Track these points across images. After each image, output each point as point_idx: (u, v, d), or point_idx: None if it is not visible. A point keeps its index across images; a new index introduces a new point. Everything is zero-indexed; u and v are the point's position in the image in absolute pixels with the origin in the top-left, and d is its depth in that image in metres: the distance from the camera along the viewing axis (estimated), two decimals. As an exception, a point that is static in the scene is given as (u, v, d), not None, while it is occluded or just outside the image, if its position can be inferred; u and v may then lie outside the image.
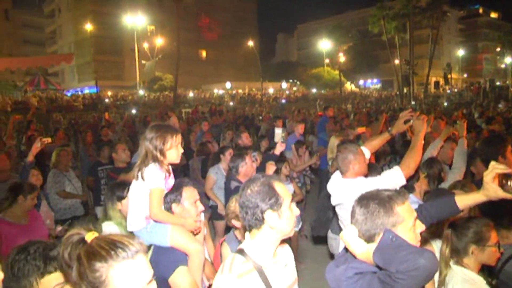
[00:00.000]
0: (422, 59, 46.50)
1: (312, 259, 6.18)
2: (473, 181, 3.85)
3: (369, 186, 2.80)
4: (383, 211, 1.75)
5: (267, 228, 1.90)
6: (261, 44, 61.67)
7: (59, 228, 4.25)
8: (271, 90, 46.44)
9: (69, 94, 37.53)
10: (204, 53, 60.47)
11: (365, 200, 1.83)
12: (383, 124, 7.27)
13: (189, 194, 2.61)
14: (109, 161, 6.28)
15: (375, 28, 43.63)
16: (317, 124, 10.87)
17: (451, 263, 2.53)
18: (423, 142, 3.37)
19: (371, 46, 57.42)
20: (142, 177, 2.53)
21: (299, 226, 5.92)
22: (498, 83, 42.42)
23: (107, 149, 6.40)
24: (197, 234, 2.71)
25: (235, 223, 3.15)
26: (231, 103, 32.53)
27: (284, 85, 51.45)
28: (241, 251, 1.95)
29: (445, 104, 28.86)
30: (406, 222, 1.76)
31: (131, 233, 2.62)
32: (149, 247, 2.57)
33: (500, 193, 1.96)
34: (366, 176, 3.42)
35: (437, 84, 51.35)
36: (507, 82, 47.22)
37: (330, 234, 4.57)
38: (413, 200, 3.21)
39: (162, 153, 2.54)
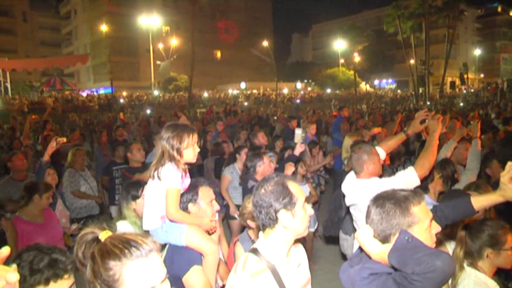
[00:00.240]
0: (438, 59, 45.88)
1: (325, 259, 6.15)
2: (488, 183, 3.78)
3: (383, 186, 2.77)
4: (399, 211, 1.74)
5: (281, 227, 1.89)
6: (276, 44, 61.62)
7: (73, 226, 4.31)
8: (285, 91, 46.31)
9: (84, 95, 37.98)
10: (219, 54, 60.66)
11: (381, 200, 1.81)
12: (398, 124, 7.21)
13: (205, 193, 2.61)
14: (124, 161, 6.33)
15: (391, 28, 43.25)
16: (332, 124, 10.83)
17: (465, 264, 2.49)
18: (438, 142, 3.33)
19: (386, 46, 56.94)
20: (159, 177, 2.53)
21: (315, 226, 5.90)
22: (516, 83, 41.64)
23: (122, 149, 6.44)
24: (212, 233, 2.71)
25: (251, 223, 3.15)
26: (245, 103, 32.56)
27: (299, 85, 51.30)
28: (254, 251, 1.94)
29: (461, 104, 28.46)
30: (422, 222, 1.74)
31: (146, 232, 2.63)
32: (163, 246, 2.58)
33: (517, 194, 1.94)
34: (380, 176, 3.39)
35: (453, 84, 50.71)
36: (526, 82, 46.32)
37: (341, 235, 4.54)
38: (428, 201, 3.16)
39: (179, 152, 2.54)
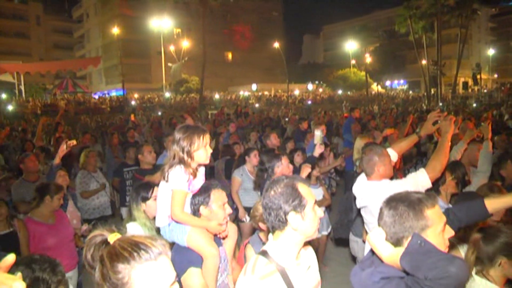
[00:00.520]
0: (450, 59, 45.45)
1: (335, 262, 6.10)
2: (503, 185, 3.72)
3: (394, 188, 2.74)
4: (412, 214, 1.70)
5: (290, 230, 1.87)
6: (287, 45, 61.59)
7: (84, 227, 4.33)
8: (297, 92, 46.24)
9: (96, 97, 38.36)
10: (230, 55, 60.81)
11: (394, 202, 1.78)
12: (409, 125, 7.14)
13: (218, 196, 2.57)
14: (135, 163, 6.36)
15: (402, 28, 42.86)
16: (343, 125, 10.77)
17: (473, 272, 2.37)
18: (450, 144, 3.27)
19: (398, 46, 56.52)
20: (167, 178, 2.56)
21: (329, 229, 5.85)
22: (531, 83, 41.00)
23: (133, 151, 6.48)
24: (224, 237, 2.70)
25: (262, 225, 3.14)
26: (256, 105, 32.58)
27: (310, 86, 51.19)
28: (264, 253, 1.93)
29: (474, 105, 28.10)
30: (435, 226, 1.70)
31: (158, 232, 2.67)
32: (172, 245, 2.60)
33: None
34: (392, 178, 3.35)
35: (465, 84, 50.11)
36: (541, 82, 45.60)
37: (351, 237, 4.50)
38: (439, 204, 3.12)
39: (189, 154, 2.54)
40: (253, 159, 5.86)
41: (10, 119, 19.99)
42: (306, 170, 4.38)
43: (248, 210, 5.69)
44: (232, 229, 2.79)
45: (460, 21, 40.42)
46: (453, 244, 2.76)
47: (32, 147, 8.46)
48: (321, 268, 5.37)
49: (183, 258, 2.43)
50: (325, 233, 5.76)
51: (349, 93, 49.07)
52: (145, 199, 3.22)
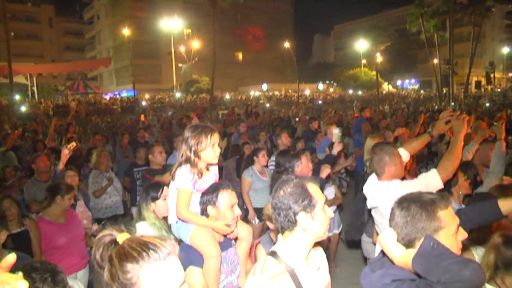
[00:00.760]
0: (462, 58, 44.82)
1: (346, 263, 6.06)
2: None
3: (405, 189, 2.70)
4: (425, 215, 1.67)
5: (300, 230, 1.85)
6: (297, 45, 61.49)
7: (95, 227, 4.36)
8: (307, 92, 46.10)
9: (107, 98, 38.66)
10: (240, 56, 60.86)
11: (406, 202, 1.75)
12: (420, 125, 7.07)
13: (226, 197, 2.55)
14: (145, 163, 6.39)
15: (413, 27, 42.42)
16: (353, 125, 10.71)
17: None
18: (462, 144, 3.21)
19: (409, 45, 56.07)
20: (173, 177, 2.60)
21: (339, 228, 5.82)
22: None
23: (143, 151, 6.51)
24: (235, 239, 2.70)
25: (272, 225, 3.12)
26: (267, 105, 32.54)
27: (320, 86, 50.99)
28: (273, 253, 1.91)
29: (487, 104, 27.73)
30: (448, 228, 1.67)
31: (168, 232, 2.72)
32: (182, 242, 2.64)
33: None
34: (402, 179, 3.31)
35: (478, 84, 49.49)
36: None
37: (364, 238, 4.45)
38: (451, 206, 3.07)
39: (196, 153, 2.55)
40: (262, 159, 5.86)
41: (23, 120, 20.23)
42: (326, 170, 4.37)
43: (258, 210, 5.68)
44: (247, 231, 2.77)
45: (473, 19, 39.81)
46: (465, 246, 2.71)
47: (44, 147, 8.55)
48: (332, 268, 5.36)
49: (185, 256, 2.42)
50: (336, 231, 5.73)
51: (359, 92, 48.74)
52: (154, 199, 3.22)
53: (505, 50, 58.44)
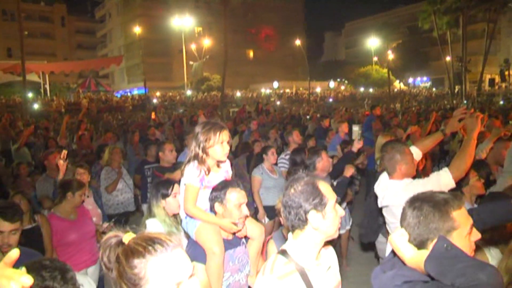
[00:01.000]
0: (476, 55, 44.06)
1: (357, 262, 6.02)
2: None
3: (415, 188, 2.66)
4: (438, 215, 1.63)
5: (311, 229, 1.83)
6: (308, 43, 61.26)
7: (105, 225, 4.39)
8: (318, 90, 45.98)
9: (118, 95, 38.91)
10: (251, 53, 60.87)
11: (418, 202, 1.71)
12: (432, 123, 7.00)
13: (234, 196, 2.54)
14: (156, 160, 6.41)
15: (426, 24, 41.77)
16: (364, 123, 10.63)
17: None
18: (476, 142, 3.14)
19: (421, 43, 55.45)
20: (182, 173, 2.63)
21: (350, 224, 5.78)
22: None
23: (154, 148, 6.53)
24: (241, 237, 2.69)
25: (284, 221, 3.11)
26: (278, 103, 32.49)
27: (331, 84, 50.76)
28: (283, 252, 1.90)
29: (501, 102, 27.32)
30: (462, 228, 1.63)
31: (179, 228, 2.77)
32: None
33: None
34: (414, 177, 3.27)
35: (492, 81, 48.72)
36: None
37: (380, 238, 4.39)
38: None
39: (204, 150, 2.57)
40: (271, 157, 5.86)
41: (36, 117, 20.45)
42: (350, 170, 4.37)
43: (269, 208, 5.68)
44: (258, 230, 2.76)
45: (488, 15, 39.07)
46: (478, 246, 2.65)
47: (55, 144, 8.63)
48: (343, 267, 5.32)
49: (189, 251, 2.44)
50: (348, 227, 5.70)
51: (371, 90, 48.44)
52: (165, 196, 3.22)
53: (521, 47, 57.43)
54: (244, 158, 7.26)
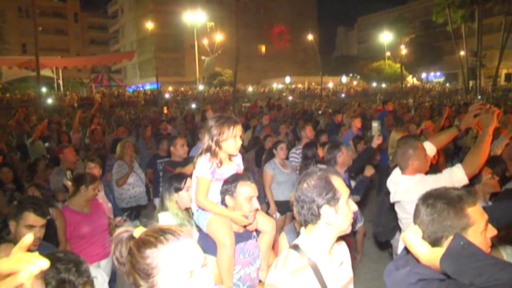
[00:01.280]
0: (491, 50, 43.19)
1: (369, 257, 5.99)
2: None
3: (427, 184, 2.62)
4: (452, 212, 1.59)
5: (323, 224, 1.82)
6: (320, 38, 60.89)
7: (118, 218, 4.43)
8: (330, 85, 45.74)
9: (131, 90, 39.15)
10: (263, 48, 60.72)
11: (431, 199, 1.67)
12: (444, 119, 6.91)
13: (245, 189, 2.54)
14: (168, 154, 6.45)
15: (440, 18, 41.02)
16: (376, 118, 10.54)
17: None
18: (491, 138, 3.06)
19: (434, 37, 54.72)
20: (194, 165, 2.65)
21: (362, 221, 5.75)
22: None
23: (166, 143, 6.57)
24: (252, 230, 2.69)
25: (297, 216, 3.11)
26: (290, 98, 32.39)
27: (344, 79, 50.43)
28: (296, 247, 1.89)
29: (517, 98, 26.89)
30: (477, 225, 1.59)
31: (191, 221, 2.81)
32: None
33: None
34: (426, 173, 3.23)
35: (508, 76, 47.90)
36: None
37: (396, 236, 4.34)
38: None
39: (217, 143, 2.58)
40: (280, 152, 5.85)
41: (49, 112, 20.69)
42: (370, 170, 4.37)
43: (280, 203, 5.67)
44: (270, 224, 2.76)
45: (505, 7, 38.14)
46: (493, 244, 2.61)
47: (68, 138, 8.73)
48: (356, 263, 5.29)
49: (202, 244, 2.45)
50: (360, 224, 5.66)
51: (383, 85, 48.01)
52: (177, 190, 3.24)
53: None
54: (253, 153, 7.26)
